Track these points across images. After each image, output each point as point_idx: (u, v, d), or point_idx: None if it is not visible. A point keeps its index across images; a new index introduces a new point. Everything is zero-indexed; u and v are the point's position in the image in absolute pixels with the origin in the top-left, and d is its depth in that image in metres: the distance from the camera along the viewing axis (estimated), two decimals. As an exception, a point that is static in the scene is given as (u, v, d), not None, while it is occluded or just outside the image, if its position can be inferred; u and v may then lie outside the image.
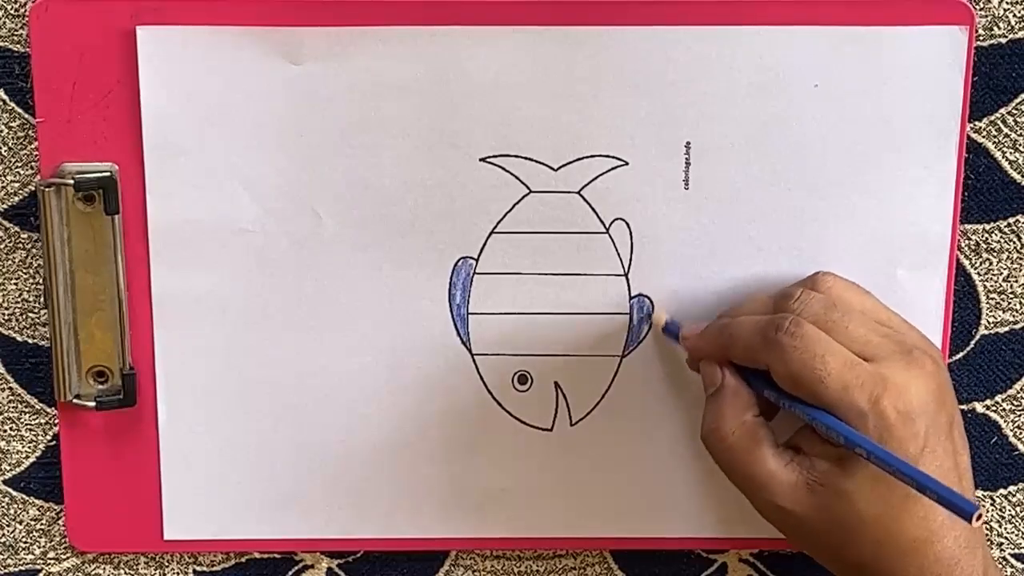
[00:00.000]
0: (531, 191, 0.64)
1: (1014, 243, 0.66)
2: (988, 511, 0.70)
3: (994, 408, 0.68)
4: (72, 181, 0.63)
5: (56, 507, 0.69)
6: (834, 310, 0.59)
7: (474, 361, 0.66)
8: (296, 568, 0.70)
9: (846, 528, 0.58)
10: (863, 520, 0.58)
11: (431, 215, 0.64)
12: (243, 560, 0.70)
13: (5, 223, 0.66)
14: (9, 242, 0.66)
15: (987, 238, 0.66)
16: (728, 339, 0.60)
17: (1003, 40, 0.64)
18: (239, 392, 0.67)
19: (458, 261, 0.65)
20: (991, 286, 0.67)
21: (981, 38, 0.64)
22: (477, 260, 0.65)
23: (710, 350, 0.62)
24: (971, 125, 0.65)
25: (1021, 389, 0.68)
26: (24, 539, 0.70)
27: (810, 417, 0.58)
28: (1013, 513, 0.70)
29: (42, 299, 0.66)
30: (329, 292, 0.65)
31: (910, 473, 0.55)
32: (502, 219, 0.65)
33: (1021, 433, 0.69)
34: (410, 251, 0.65)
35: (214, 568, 0.70)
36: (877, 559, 0.58)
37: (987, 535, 0.70)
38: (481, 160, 0.64)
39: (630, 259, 0.65)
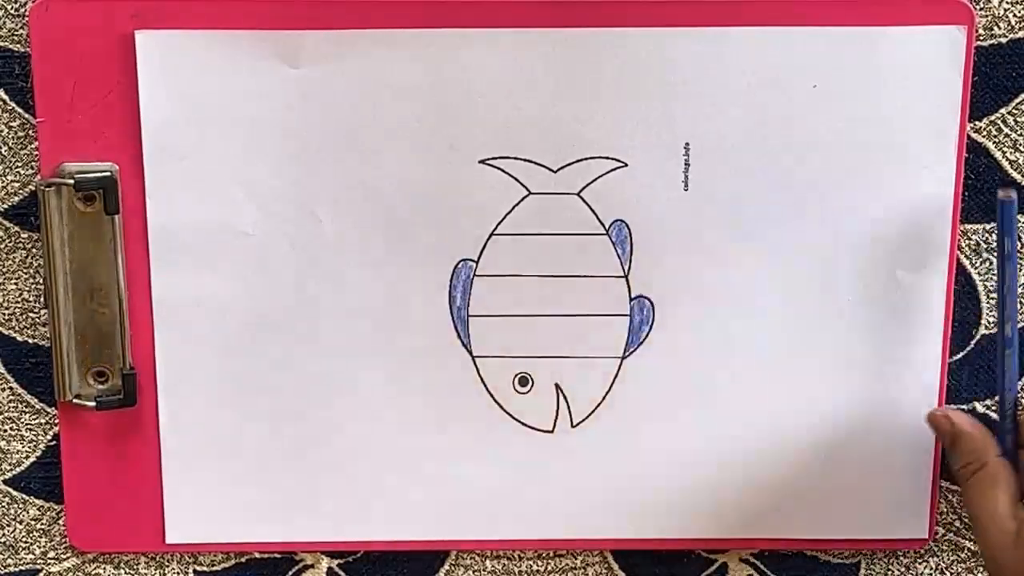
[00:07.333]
0: (531, 193, 0.64)
1: (1014, 243, 0.66)
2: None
3: (994, 408, 0.68)
4: (72, 181, 0.63)
5: (56, 507, 0.69)
6: None
7: (475, 363, 0.66)
8: (296, 568, 0.70)
9: None
10: None
11: (431, 217, 0.64)
12: (243, 560, 0.70)
13: (5, 223, 0.66)
14: (9, 242, 0.66)
15: (987, 238, 0.66)
16: None
17: (1003, 40, 0.64)
18: (239, 392, 0.67)
19: (458, 263, 0.65)
20: (991, 286, 0.67)
21: (981, 38, 0.64)
22: (477, 262, 0.65)
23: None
24: (971, 125, 0.65)
25: (1021, 388, 0.68)
26: (24, 539, 0.70)
27: None
28: (1012, 512, 0.70)
29: (42, 299, 0.66)
30: (329, 294, 0.65)
31: None
32: (502, 221, 0.65)
33: (1021, 433, 0.69)
34: (410, 253, 0.65)
35: (214, 568, 0.70)
36: None
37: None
38: (481, 162, 0.64)
39: (630, 260, 0.65)
